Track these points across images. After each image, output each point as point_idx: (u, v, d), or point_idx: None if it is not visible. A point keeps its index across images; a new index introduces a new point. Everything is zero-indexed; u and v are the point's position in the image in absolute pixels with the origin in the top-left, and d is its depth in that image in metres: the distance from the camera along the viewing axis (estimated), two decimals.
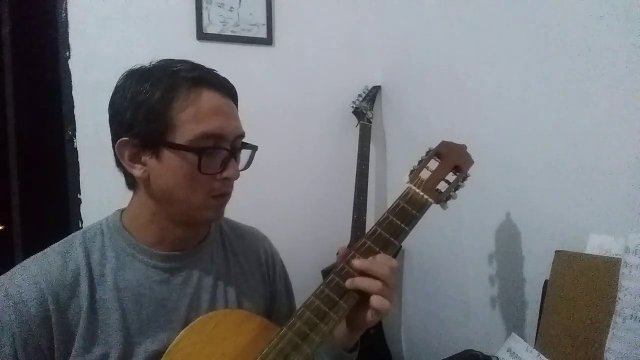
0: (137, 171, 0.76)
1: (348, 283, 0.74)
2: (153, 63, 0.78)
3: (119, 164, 0.79)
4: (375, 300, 0.73)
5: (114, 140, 0.77)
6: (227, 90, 0.78)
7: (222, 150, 0.76)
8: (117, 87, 0.77)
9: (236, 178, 0.79)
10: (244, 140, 0.82)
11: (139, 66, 0.77)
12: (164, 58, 0.79)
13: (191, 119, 0.73)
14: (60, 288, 0.73)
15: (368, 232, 0.79)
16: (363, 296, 0.75)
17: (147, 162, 0.75)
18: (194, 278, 0.83)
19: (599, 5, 1.04)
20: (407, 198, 0.80)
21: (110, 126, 0.78)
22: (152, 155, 0.75)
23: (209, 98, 0.75)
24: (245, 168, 0.83)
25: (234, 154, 0.78)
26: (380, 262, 0.75)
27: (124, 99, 0.75)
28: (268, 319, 0.87)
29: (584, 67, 1.09)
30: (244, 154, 0.83)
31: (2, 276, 0.75)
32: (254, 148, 0.84)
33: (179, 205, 0.77)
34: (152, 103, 0.72)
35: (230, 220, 0.97)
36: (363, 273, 0.74)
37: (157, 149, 0.74)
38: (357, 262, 0.75)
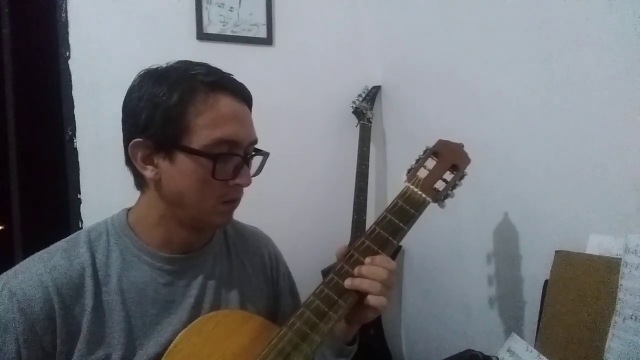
0: (148, 172, 0.76)
1: (347, 283, 0.75)
2: (170, 64, 0.77)
3: (129, 163, 0.78)
4: (372, 300, 0.74)
5: (126, 140, 0.76)
6: (243, 96, 0.78)
7: (236, 157, 0.76)
8: (132, 87, 0.77)
9: (248, 185, 0.78)
10: (256, 146, 0.82)
11: (155, 67, 0.77)
12: (181, 59, 0.79)
13: (207, 124, 0.73)
14: (65, 287, 0.73)
15: (367, 231, 0.79)
16: (362, 294, 0.75)
17: (160, 164, 0.75)
18: (198, 280, 0.83)
19: (600, 5, 1.04)
20: (405, 197, 0.80)
21: (124, 126, 0.78)
22: (165, 157, 0.74)
23: (226, 104, 0.74)
24: (256, 174, 0.83)
25: (246, 160, 0.78)
26: (379, 265, 0.75)
27: (140, 100, 0.74)
28: (273, 319, 0.87)
29: (583, 67, 1.08)
30: (255, 160, 0.83)
31: (4, 274, 0.74)
32: (265, 155, 0.84)
33: (189, 209, 0.77)
34: (168, 106, 0.72)
35: (234, 221, 0.96)
36: (363, 275, 0.75)
37: (171, 151, 0.74)
38: (357, 270, 0.76)
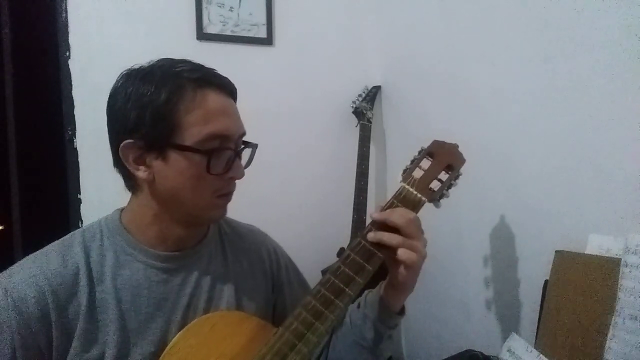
0: (141, 173, 0.76)
1: (371, 236, 0.76)
2: (152, 63, 0.77)
3: (117, 164, 0.78)
4: (400, 253, 0.75)
5: (114, 142, 0.76)
6: (229, 90, 0.79)
7: (227, 150, 0.76)
8: (116, 89, 0.76)
9: (241, 177, 0.79)
10: (244, 139, 0.82)
11: (137, 66, 0.77)
12: (161, 57, 0.79)
13: (198, 120, 0.73)
14: (59, 287, 0.73)
15: (364, 232, 0.79)
16: (394, 253, 0.76)
17: (152, 163, 0.75)
18: (193, 278, 0.83)
19: (599, 5, 1.03)
20: (401, 197, 0.80)
21: (111, 127, 0.77)
22: (157, 157, 0.74)
23: (214, 99, 0.75)
24: (247, 166, 0.83)
25: (238, 153, 0.79)
26: (397, 213, 0.77)
27: (127, 101, 0.74)
28: (272, 316, 0.87)
29: (584, 67, 1.08)
30: (245, 153, 0.83)
31: (0, 274, 0.75)
32: (254, 146, 0.84)
33: (185, 205, 0.77)
34: (157, 105, 0.72)
35: (230, 220, 0.97)
36: (384, 227, 0.76)
37: (163, 150, 0.74)
38: (376, 215, 0.77)
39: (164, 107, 0.72)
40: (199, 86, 0.74)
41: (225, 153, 0.76)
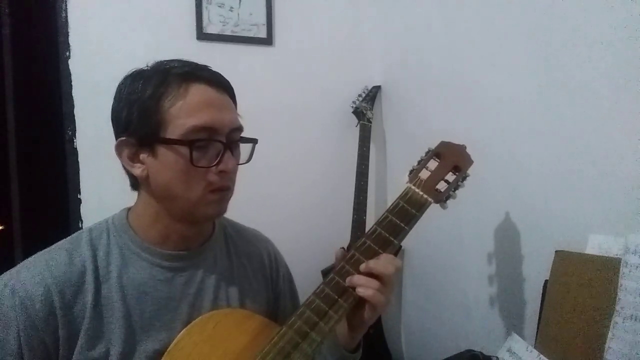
0: (137, 170, 0.77)
1: (347, 280, 0.75)
2: (149, 64, 0.79)
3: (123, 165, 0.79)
4: (362, 291, 0.74)
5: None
6: (218, 83, 0.78)
7: (217, 143, 0.76)
8: (116, 90, 0.79)
9: (232, 171, 0.78)
10: (242, 134, 0.81)
11: (137, 68, 0.79)
12: (160, 59, 0.80)
13: (182, 113, 0.73)
14: (66, 285, 0.73)
15: (368, 232, 0.79)
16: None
17: (146, 160, 0.76)
18: (197, 278, 0.83)
19: (599, 5, 1.04)
20: (407, 198, 0.80)
21: (113, 128, 0.79)
22: (149, 153, 0.75)
23: (198, 91, 0.75)
24: (247, 162, 0.83)
25: (230, 147, 0.78)
26: (385, 261, 0.76)
27: (120, 101, 0.76)
28: (272, 320, 0.87)
29: (584, 67, 1.09)
30: (245, 149, 0.83)
31: (7, 272, 0.75)
32: (253, 141, 0.83)
33: (179, 201, 0.77)
34: (143, 100, 0.74)
35: (234, 223, 0.97)
36: (367, 273, 0.75)
37: (152, 146, 0.75)
38: (363, 266, 0.75)
39: (149, 102, 0.74)
40: (184, 80, 0.75)
41: (213, 145, 0.76)
